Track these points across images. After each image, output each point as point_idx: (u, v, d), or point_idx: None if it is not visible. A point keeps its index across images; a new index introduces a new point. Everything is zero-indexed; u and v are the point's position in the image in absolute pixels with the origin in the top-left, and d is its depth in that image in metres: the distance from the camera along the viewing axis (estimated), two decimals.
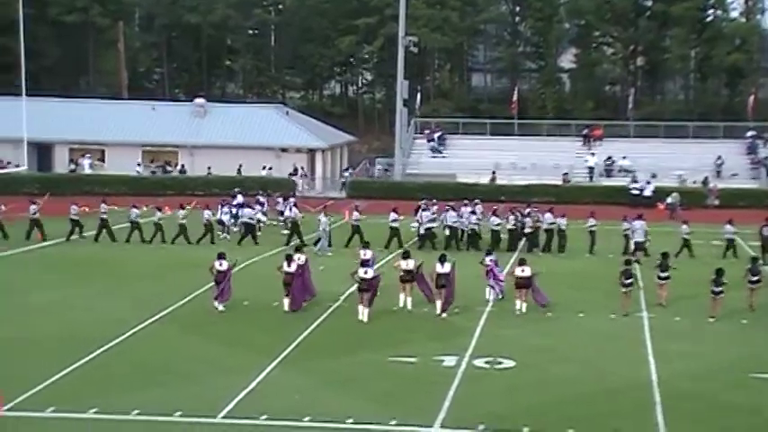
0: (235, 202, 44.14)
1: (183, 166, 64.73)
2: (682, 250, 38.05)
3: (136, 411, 19.16)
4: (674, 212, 50.64)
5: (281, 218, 43.70)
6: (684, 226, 39.03)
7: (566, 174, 61.94)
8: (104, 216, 41.01)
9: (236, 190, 47.06)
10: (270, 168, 63.01)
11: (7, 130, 59.12)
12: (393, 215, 40.44)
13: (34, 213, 40.77)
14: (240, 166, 62.46)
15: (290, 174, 62.51)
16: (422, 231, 40.32)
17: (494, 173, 62.05)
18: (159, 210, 41.24)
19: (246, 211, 41.91)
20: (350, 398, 20.42)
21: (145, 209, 42.06)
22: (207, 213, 40.96)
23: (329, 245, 38.99)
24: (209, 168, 62.07)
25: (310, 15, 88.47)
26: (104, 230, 40.95)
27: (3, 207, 41.26)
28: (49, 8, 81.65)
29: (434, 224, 40.50)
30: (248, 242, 40.45)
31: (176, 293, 29.83)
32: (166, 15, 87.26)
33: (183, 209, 40.83)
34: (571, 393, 20.96)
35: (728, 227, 38.78)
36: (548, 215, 40.23)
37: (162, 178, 62.05)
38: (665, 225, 39.38)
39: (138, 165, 64.02)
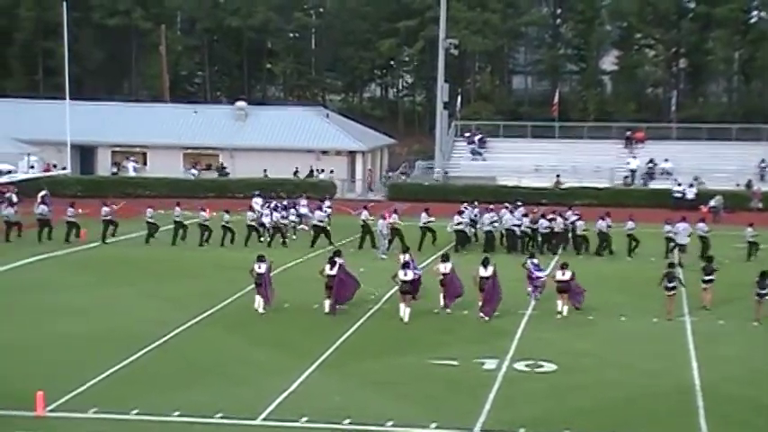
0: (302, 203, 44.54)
1: (224, 168, 65.08)
2: (751, 253, 38.04)
3: (177, 412, 19.24)
4: (718, 216, 50.13)
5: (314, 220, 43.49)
6: (749, 229, 38.84)
7: (558, 176, 60.97)
8: (151, 220, 41.42)
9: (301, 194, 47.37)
10: (322, 171, 63.40)
11: (51, 133, 59.59)
12: (424, 216, 40.53)
13: (106, 215, 41.30)
14: (296, 169, 62.99)
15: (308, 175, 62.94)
16: (479, 233, 40.35)
17: (558, 176, 61.57)
18: (203, 210, 41.48)
19: (318, 213, 41.90)
20: (390, 400, 20.38)
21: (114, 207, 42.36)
22: (250, 215, 41.26)
23: (387, 248, 38.58)
24: (265, 171, 62.46)
25: (351, 18, 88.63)
26: (154, 234, 41.42)
27: (114, 206, 42.21)
28: (92, 12, 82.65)
29: (495, 226, 40.28)
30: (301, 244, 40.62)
31: (218, 295, 29.96)
32: (208, 19, 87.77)
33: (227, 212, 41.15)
34: (613, 397, 20.80)
35: (749, 230, 38.90)
36: (601, 223, 40.06)
37: (203, 180, 62.39)
38: (710, 229, 39.02)
39: (194, 167, 64.51)
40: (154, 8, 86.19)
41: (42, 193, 45.78)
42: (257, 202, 44.78)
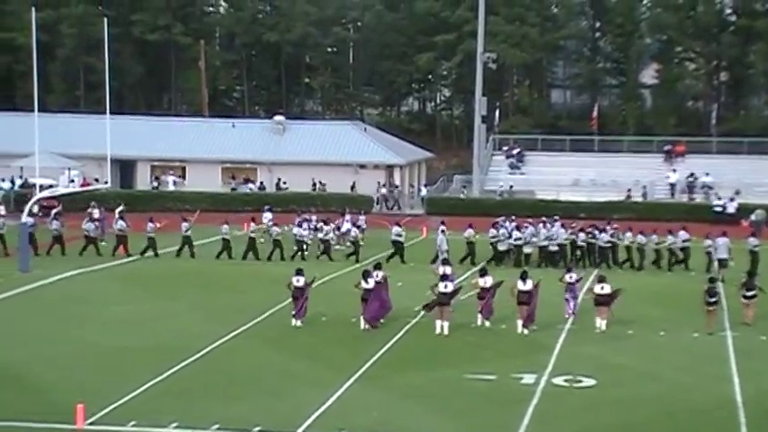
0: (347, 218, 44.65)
1: (261, 183, 65.40)
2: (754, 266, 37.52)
3: (216, 426, 19.27)
4: (759, 230, 49.52)
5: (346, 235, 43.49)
6: (753, 239, 38.51)
7: (629, 190, 60.76)
8: (187, 233, 41.62)
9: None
10: (384, 185, 64.25)
11: (91, 147, 60.04)
12: (469, 231, 40.43)
13: (186, 230, 41.61)
14: (354, 183, 63.68)
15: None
16: (501, 248, 40.17)
17: (629, 190, 61.56)
18: (253, 221, 41.97)
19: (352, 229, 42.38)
20: (428, 414, 20.32)
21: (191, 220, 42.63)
22: (276, 230, 41.69)
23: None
24: (322, 184, 63.07)
25: (388, 32, 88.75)
26: (187, 246, 41.57)
27: (157, 224, 42.50)
28: (133, 27, 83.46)
29: (530, 241, 40.17)
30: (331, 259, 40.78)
31: (256, 308, 30.05)
32: (246, 34, 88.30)
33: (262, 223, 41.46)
34: (653, 413, 20.61)
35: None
36: (628, 234, 39.92)
37: (241, 194, 62.69)
38: (760, 243, 38.80)
39: (251, 182, 65.15)
40: (193, 24, 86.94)
41: (120, 208, 46.00)
42: (267, 216, 44.84)
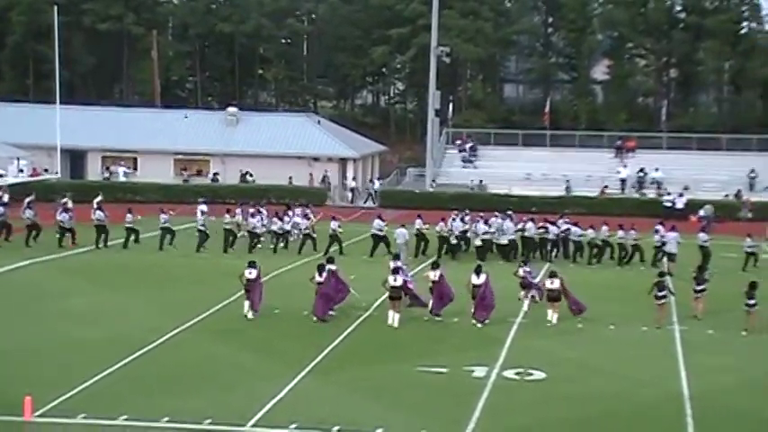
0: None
1: (215, 174, 65.10)
2: (748, 263, 38.16)
3: (166, 419, 19.19)
4: (709, 225, 50.16)
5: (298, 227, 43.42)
6: (748, 239, 38.87)
7: (606, 186, 61.38)
8: (130, 225, 41.54)
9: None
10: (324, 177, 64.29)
11: (42, 137, 59.58)
12: (419, 222, 40.63)
13: (165, 222, 41.52)
14: (291, 177, 63.63)
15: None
16: (453, 241, 40.36)
17: (568, 181, 62.13)
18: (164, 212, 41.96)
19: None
20: (380, 407, 20.37)
21: (172, 213, 42.53)
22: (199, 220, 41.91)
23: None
24: (251, 175, 62.64)
25: (343, 25, 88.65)
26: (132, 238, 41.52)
27: (171, 212, 42.54)
28: (84, 16, 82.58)
29: (491, 235, 40.42)
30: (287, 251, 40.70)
31: (208, 301, 29.91)
32: (200, 25, 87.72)
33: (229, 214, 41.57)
34: (602, 407, 20.81)
35: (749, 240, 38.87)
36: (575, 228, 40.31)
37: (194, 186, 62.32)
38: (710, 238, 39.30)
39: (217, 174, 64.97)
40: (146, 13, 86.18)
41: (97, 199, 45.97)
42: (202, 209, 44.72)
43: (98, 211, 42.21)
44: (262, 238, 41.83)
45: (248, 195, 53.83)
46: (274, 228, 41.81)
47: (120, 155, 66.53)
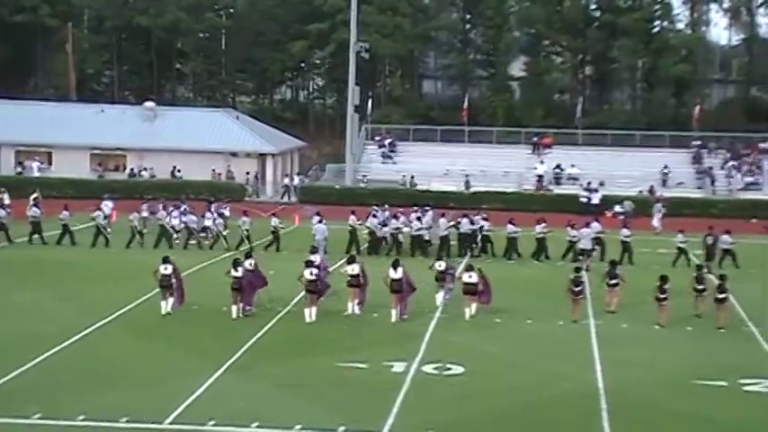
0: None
1: (132, 169, 64.31)
2: (678, 259, 38.58)
3: (81, 417, 18.95)
4: (628, 221, 50.89)
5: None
6: (680, 235, 39.40)
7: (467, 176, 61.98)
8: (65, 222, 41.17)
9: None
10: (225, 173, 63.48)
11: None
12: (352, 218, 40.88)
13: (64, 219, 41.01)
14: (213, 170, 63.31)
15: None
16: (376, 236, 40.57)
17: (467, 176, 62.56)
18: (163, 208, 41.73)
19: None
20: (298, 403, 20.37)
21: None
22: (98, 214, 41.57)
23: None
24: (146, 169, 62.53)
25: (262, 20, 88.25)
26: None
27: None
28: None
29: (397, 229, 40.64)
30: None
31: (125, 297, 29.57)
32: (116, 17, 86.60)
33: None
34: (519, 401, 21.06)
35: (680, 236, 39.29)
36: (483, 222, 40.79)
37: (109, 181, 61.47)
38: (631, 234, 40.04)
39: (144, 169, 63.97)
40: (61, 5, 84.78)
41: (34, 195, 45.55)
42: (107, 204, 44.34)
43: (34, 208, 41.91)
44: (178, 234, 41.54)
45: (167, 191, 53.35)
46: (192, 224, 41.55)
47: (34, 149, 65.37)
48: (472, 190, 60.57)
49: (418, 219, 41.08)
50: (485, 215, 41.68)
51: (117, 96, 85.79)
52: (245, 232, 40.75)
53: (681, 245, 39.03)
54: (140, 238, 40.79)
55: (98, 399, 20.12)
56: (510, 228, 39.95)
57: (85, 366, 22.72)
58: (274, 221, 41.38)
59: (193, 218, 41.91)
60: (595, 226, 39.60)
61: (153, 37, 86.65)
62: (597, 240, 39.18)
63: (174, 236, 41.30)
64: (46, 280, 33.30)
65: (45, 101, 73.89)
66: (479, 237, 40.47)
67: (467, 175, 62.91)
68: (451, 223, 40.71)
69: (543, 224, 39.86)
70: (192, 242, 41.25)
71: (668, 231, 45.49)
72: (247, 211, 43.61)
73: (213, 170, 63.69)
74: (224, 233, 41.15)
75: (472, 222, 40.71)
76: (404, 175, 64.09)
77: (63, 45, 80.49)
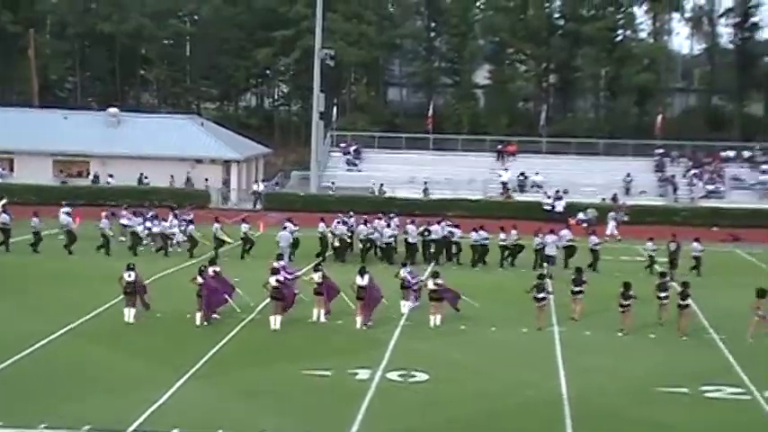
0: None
1: (95, 176, 63.87)
2: (651, 266, 38.80)
3: (43, 425, 18.78)
4: (591, 227, 51.16)
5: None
6: (649, 243, 39.59)
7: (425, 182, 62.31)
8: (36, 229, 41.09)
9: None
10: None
11: None
12: (321, 225, 41.11)
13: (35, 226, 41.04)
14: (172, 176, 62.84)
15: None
16: (336, 244, 40.52)
17: (425, 183, 62.72)
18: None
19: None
20: (263, 411, 20.31)
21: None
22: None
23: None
24: (111, 176, 62.21)
25: (226, 26, 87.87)
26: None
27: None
28: None
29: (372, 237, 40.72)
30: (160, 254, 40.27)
31: (88, 305, 29.35)
32: (79, 24, 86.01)
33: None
34: (483, 408, 21.09)
35: (649, 243, 39.58)
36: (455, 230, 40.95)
37: (72, 188, 61.01)
38: (600, 241, 40.33)
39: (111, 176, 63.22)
40: (23, 11, 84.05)
41: (2, 201, 45.20)
42: (66, 210, 44.11)
43: (3, 214, 41.75)
44: (144, 242, 41.40)
45: (131, 197, 53.02)
46: (155, 230, 41.44)
47: None
48: (434, 197, 60.68)
49: (388, 226, 41.12)
50: (453, 222, 41.84)
51: (80, 103, 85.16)
52: (251, 236, 41.01)
53: (651, 253, 39.37)
54: (108, 245, 40.49)
55: (59, 407, 19.95)
56: (474, 235, 40.12)
57: (46, 374, 22.50)
58: (244, 227, 41.23)
59: (165, 224, 41.72)
60: (565, 234, 39.88)
61: (116, 43, 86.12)
62: (569, 249, 39.42)
63: (144, 242, 41.24)
64: (7, 288, 32.97)
65: (7, 107, 73.18)
66: (451, 244, 40.64)
67: (425, 182, 63.05)
68: (421, 228, 40.81)
69: (514, 231, 40.10)
70: (171, 249, 41.04)
71: (628, 238, 45.88)
72: (246, 218, 43.57)
73: (171, 177, 63.24)
74: (183, 240, 41.14)
75: (443, 229, 40.83)
76: (373, 183, 64.07)
77: (25, 51, 79.76)
